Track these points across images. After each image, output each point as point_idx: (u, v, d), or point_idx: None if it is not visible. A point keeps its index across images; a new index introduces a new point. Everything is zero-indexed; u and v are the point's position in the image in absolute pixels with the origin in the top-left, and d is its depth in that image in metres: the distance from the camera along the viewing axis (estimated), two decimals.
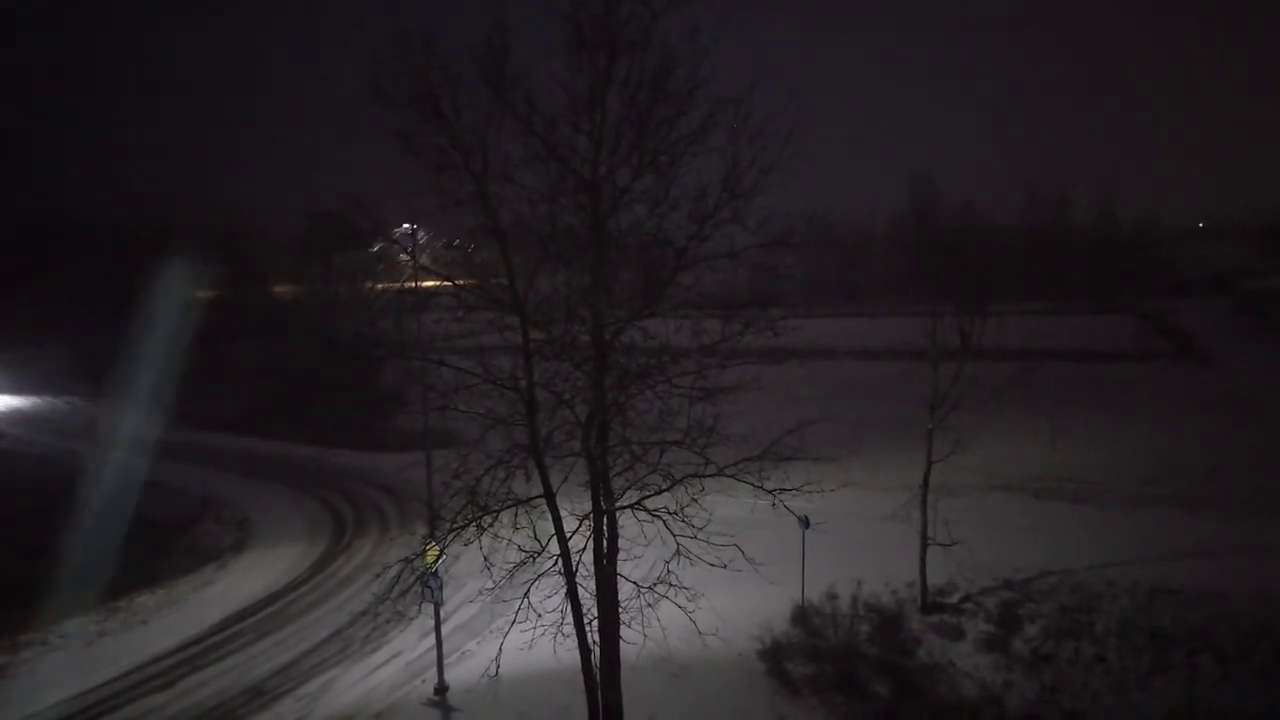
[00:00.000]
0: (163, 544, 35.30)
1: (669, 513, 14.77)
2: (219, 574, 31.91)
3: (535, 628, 15.43)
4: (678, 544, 14.93)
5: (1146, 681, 20.62)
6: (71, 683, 22.87)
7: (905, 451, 33.29)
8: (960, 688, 21.05)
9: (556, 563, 15.06)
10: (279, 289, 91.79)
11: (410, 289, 16.90)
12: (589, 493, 14.76)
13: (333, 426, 53.65)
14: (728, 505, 15.79)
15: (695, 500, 14.87)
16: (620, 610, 15.72)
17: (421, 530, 31.97)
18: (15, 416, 67.52)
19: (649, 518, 14.80)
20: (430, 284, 16.45)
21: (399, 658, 23.58)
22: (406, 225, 16.40)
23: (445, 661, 21.75)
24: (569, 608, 15.28)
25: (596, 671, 15.84)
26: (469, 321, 14.87)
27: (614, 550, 15.25)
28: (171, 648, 25.03)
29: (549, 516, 14.94)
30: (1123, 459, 39.67)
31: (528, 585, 15.06)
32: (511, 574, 15.03)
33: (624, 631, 15.89)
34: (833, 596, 24.31)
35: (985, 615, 23.76)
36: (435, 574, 19.65)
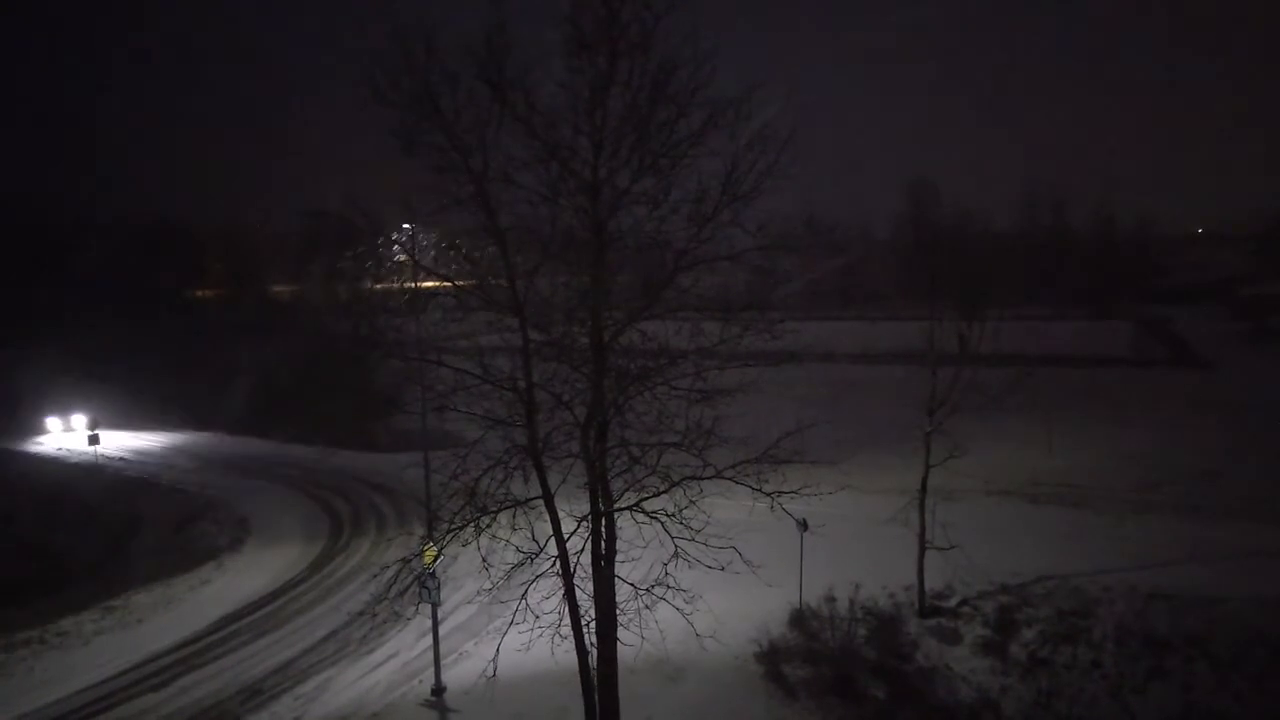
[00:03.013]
0: (160, 543, 35.29)
1: (667, 515, 14.76)
2: (216, 573, 31.87)
3: (533, 629, 15.43)
4: (676, 546, 14.93)
5: (1143, 687, 20.64)
6: (68, 681, 22.85)
7: (903, 455, 33.25)
8: (957, 692, 21.07)
9: (554, 564, 15.05)
10: (278, 288, 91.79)
11: (410, 289, 16.91)
12: (587, 494, 14.76)
13: (331, 426, 53.65)
14: (726, 507, 15.78)
15: (693, 502, 14.86)
16: (618, 612, 15.70)
17: (419, 531, 32.01)
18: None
19: (647, 519, 14.79)
20: (430, 284, 16.44)
21: (396, 658, 23.55)
22: (406, 225, 16.39)
23: (442, 662, 21.74)
24: (567, 609, 15.28)
25: (594, 673, 15.82)
26: (468, 322, 14.86)
27: (612, 552, 15.25)
28: (168, 646, 24.99)
29: (547, 518, 14.92)
30: (1120, 464, 39.69)
31: (525, 586, 15.07)
32: (509, 575, 15.03)
33: (621, 633, 15.88)
34: (830, 599, 24.31)
35: (982, 619, 23.77)
36: (433, 574, 19.68)
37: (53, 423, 60.37)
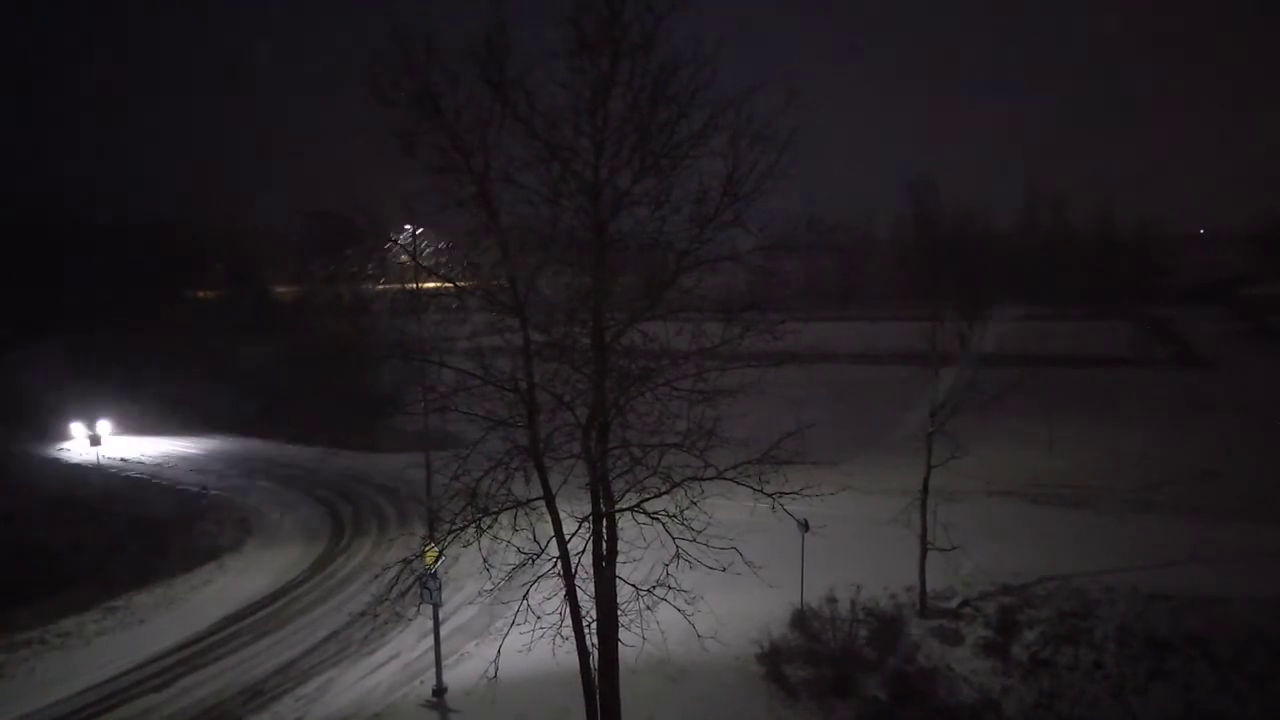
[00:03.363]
0: (161, 543, 35.28)
1: (668, 515, 14.75)
2: (218, 573, 31.90)
3: (534, 630, 15.41)
4: (677, 547, 14.92)
5: (1144, 687, 20.62)
6: (69, 681, 22.87)
7: (905, 456, 33.29)
8: (958, 693, 21.04)
9: (556, 565, 15.05)
10: (279, 289, 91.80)
11: (411, 290, 16.93)
12: (588, 495, 14.75)
13: (332, 427, 53.65)
14: (727, 508, 15.77)
15: (695, 503, 14.85)
16: (619, 613, 15.70)
17: (420, 531, 32.00)
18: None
19: (648, 520, 14.79)
20: (431, 285, 16.45)
21: (397, 659, 23.56)
22: (408, 226, 16.40)
23: (444, 663, 21.74)
24: (568, 610, 15.27)
25: (595, 674, 15.82)
26: (469, 323, 14.87)
27: (613, 553, 15.24)
28: (170, 647, 25.02)
29: (548, 518, 14.92)
30: (1121, 464, 39.68)
31: (527, 587, 15.06)
32: (510, 576, 15.03)
33: (623, 634, 15.87)
34: (832, 600, 24.29)
35: (984, 620, 23.76)
36: (434, 575, 19.66)
37: (77, 428, 58.48)
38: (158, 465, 50.73)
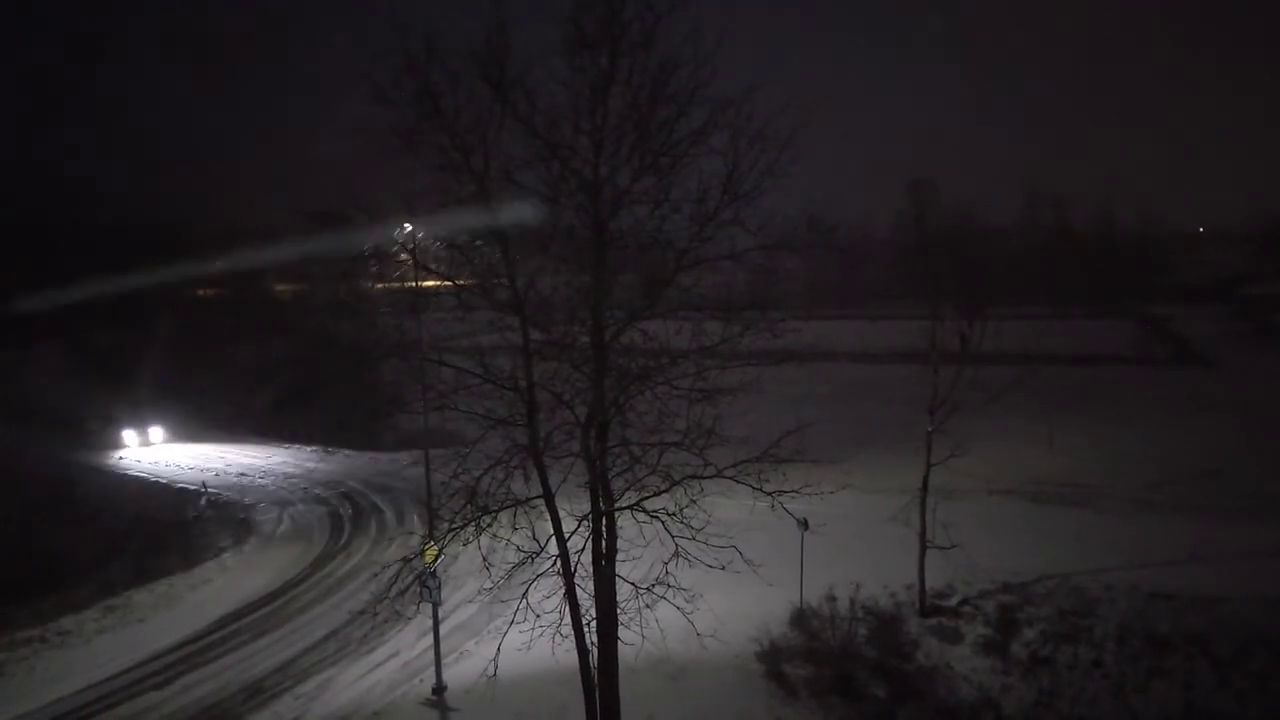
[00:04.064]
0: (161, 542, 35.32)
1: (668, 514, 14.76)
2: (217, 572, 31.91)
3: (533, 628, 15.44)
4: (676, 545, 14.93)
5: (1144, 686, 20.64)
6: (70, 680, 22.87)
7: (904, 454, 33.27)
8: (958, 691, 21.06)
9: (555, 563, 15.06)
10: (280, 288, 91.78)
11: (411, 288, 16.90)
12: (588, 493, 14.76)
13: (332, 426, 53.66)
14: (727, 507, 15.80)
15: (694, 502, 14.87)
16: (618, 611, 15.71)
17: (420, 530, 32.02)
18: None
19: (648, 519, 14.80)
20: (431, 284, 16.45)
21: (397, 657, 23.57)
22: (407, 225, 16.39)
23: (443, 661, 21.74)
24: (567, 608, 15.28)
25: (594, 672, 15.83)
26: (469, 321, 14.87)
27: (612, 551, 15.25)
28: (169, 645, 25.02)
29: (548, 517, 14.94)
30: (1121, 463, 39.66)
31: (526, 586, 15.08)
32: (510, 574, 15.04)
33: (622, 632, 15.89)
34: (831, 599, 24.30)
35: (984, 619, 23.77)
36: (433, 574, 19.67)
37: (129, 436, 57.35)
38: (156, 464, 50.74)
